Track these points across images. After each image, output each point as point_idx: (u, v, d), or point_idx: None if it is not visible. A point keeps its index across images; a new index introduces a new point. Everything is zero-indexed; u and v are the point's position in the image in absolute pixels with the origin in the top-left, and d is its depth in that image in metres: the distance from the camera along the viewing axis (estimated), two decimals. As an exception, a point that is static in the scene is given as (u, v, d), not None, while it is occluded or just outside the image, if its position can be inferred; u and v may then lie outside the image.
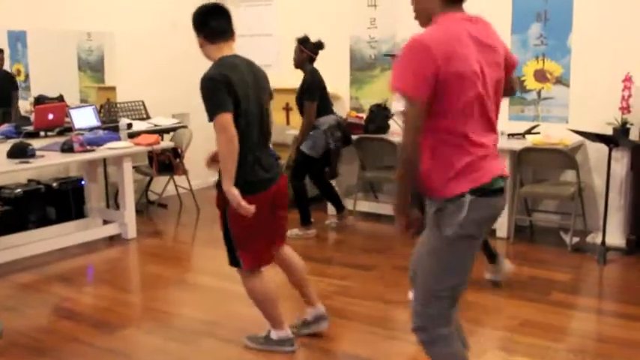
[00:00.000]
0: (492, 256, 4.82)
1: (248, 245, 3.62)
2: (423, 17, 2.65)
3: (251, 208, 3.40)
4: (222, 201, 3.54)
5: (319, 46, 6.18)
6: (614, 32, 5.93)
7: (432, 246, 2.62)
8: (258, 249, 3.67)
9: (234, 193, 3.39)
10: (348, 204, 7.00)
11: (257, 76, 3.64)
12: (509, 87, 2.85)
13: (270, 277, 3.82)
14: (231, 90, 3.41)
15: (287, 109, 6.93)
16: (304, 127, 6.13)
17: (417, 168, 2.54)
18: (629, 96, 5.68)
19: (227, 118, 3.37)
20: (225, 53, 3.57)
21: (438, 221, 2.57)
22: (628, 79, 5.68)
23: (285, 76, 6.73)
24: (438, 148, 2.55)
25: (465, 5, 2.63)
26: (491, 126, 2.63)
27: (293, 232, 6.23)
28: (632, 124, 5.68)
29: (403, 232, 2.64)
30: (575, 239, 5.78)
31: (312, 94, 6.05)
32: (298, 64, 6.20)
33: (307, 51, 6.14)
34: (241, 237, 3.60)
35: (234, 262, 3.70)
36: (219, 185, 3.52)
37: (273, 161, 3.72)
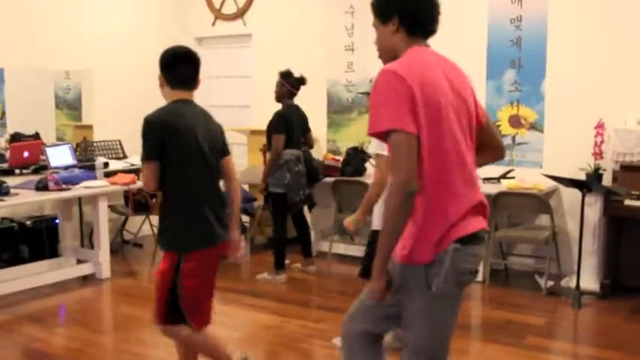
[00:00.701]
0: None
1: (198, 306, 3.46)
2: (386, 55, 2.55)
3: None
4: (176, 264, 3.37)
5: (301, 81, 6.19)
6: (587, 79, 6.06)
7: (419, 306, 2.40)
8: (207, 307, 3.53)
9: None
10: (324, 246, 6.99)
11: (211, 130, 3.50)
12: (498, 146, 2.68)
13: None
14: (170, 136, 3.31)
15: (264, 150, 6.94)
16: (270, 159, 6.09)
17: (407, 219, 2.31)
18: (602, 142, 5.77)
19: (150, 167, 3.32)
20: (179, 99, 3.45)
21: (424, 278, 2.35)
22: (600, 126, 5.78)
23: (262, 118, 6.76)
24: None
25: (440, 51, 2.53)
26: (470, 178, 2.44)
27: (262, 275, 6.20)
28: (604, 170, 5.77)
29: (382, 296, 2.40)
30: (550, 283, 5.81)
31: (278, 127, 6.04)
32: (278, 97, 6.22)
33: (287, 85, 6.16)
34: (192, 299, 3.42)
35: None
36: (165, 246, 3.45)
37: (226, 219, 3.53)
